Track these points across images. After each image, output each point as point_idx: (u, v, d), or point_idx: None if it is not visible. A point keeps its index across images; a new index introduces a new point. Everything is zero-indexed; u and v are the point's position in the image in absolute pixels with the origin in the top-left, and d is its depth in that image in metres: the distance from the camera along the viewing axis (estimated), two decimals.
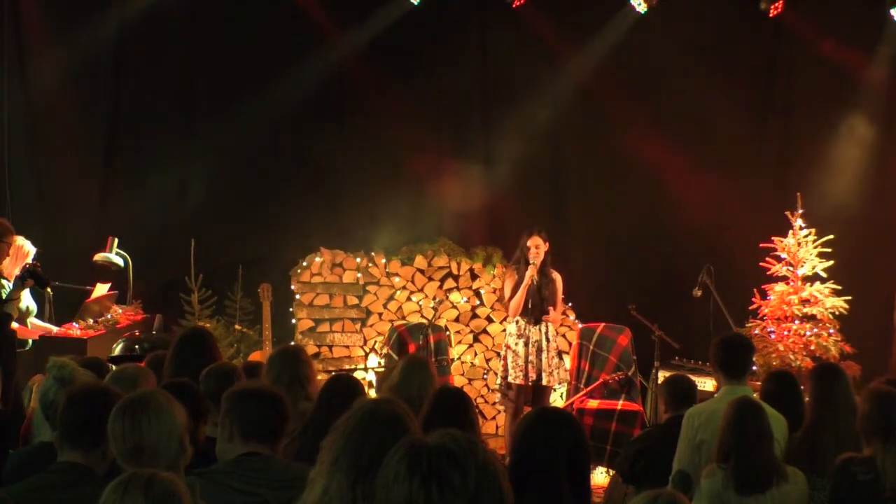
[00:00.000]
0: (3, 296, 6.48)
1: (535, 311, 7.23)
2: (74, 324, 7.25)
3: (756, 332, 8.14)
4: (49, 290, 6.82)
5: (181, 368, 4.28)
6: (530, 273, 7.20)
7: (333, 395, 3.91)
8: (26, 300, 6.87)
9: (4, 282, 6.56)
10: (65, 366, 3.54)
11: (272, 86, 8.81)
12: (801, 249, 8.29)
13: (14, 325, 6.62)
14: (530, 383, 7.18)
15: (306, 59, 8.87)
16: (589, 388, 7.50)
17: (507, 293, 7.37)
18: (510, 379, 7.22)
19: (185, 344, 4.59)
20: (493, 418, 8.63)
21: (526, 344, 7.21)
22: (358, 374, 7.96)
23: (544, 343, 7.21)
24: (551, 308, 7.30)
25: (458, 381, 8.42)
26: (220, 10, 8.93)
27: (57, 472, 3.05)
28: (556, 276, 7.41)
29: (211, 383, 3.93)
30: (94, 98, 9.01)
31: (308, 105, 8.92)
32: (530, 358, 7.18)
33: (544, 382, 7.20)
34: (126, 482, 2.37)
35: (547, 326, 7.26)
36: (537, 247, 7.25)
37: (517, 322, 7.28)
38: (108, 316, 7.63)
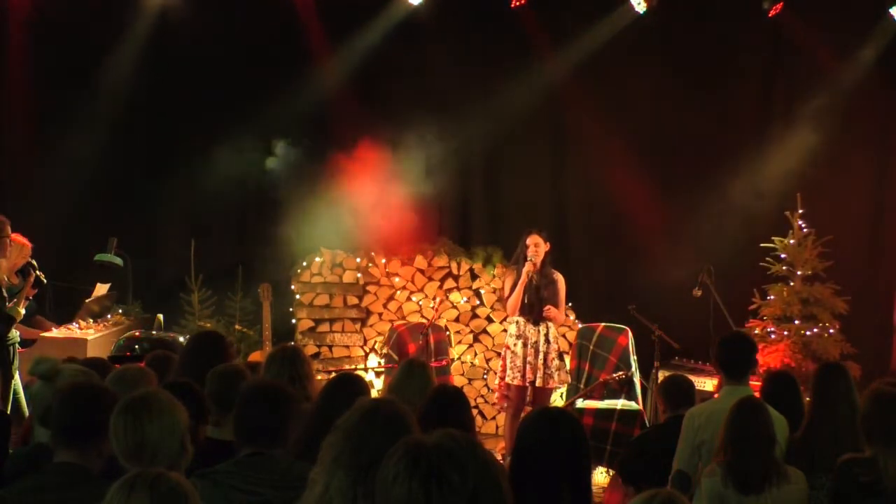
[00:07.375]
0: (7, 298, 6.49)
1: (533, 310, 7.17)
2: (74, 324, 7.25)
3: (756, 332, 8.15)
4: (43, 280, 6.84)
5: (186, 371, 4.27)
6: (526, 269, 7.13)
7: (336, 393, 3.90)
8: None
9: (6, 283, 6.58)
10: (42, 361, 3.52)
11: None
12: (801, 249, 8.30)
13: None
14: (528, 384, 7.13)
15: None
16: (589, 388, 7.48)
17: (506, 291, 7.34)
18: (507, 380, 7.17)
19: (194, 347, 4.58)
20: (493, 418, 8.62)
21: (525, 345, 7.15)
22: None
23: (543, 344, 7.14)
24: (551, 306, 7.22)
25: (458, 381, 8.41)
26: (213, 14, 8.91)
27: (52, 473, 3.02)
28: (558, 277, 7.33)
29: (215, 384, 3.92)
30: (97, 98, 8.99)
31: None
32: (528, 359, 7.11)
33: (542, 384, 7.15)
34: (132, 481, 2.34)
35: (547, 327, 7.20)
36: (536, 245, 7.21)
37: (517, 322, 7.22)
38: (108, 316, 7.65)
